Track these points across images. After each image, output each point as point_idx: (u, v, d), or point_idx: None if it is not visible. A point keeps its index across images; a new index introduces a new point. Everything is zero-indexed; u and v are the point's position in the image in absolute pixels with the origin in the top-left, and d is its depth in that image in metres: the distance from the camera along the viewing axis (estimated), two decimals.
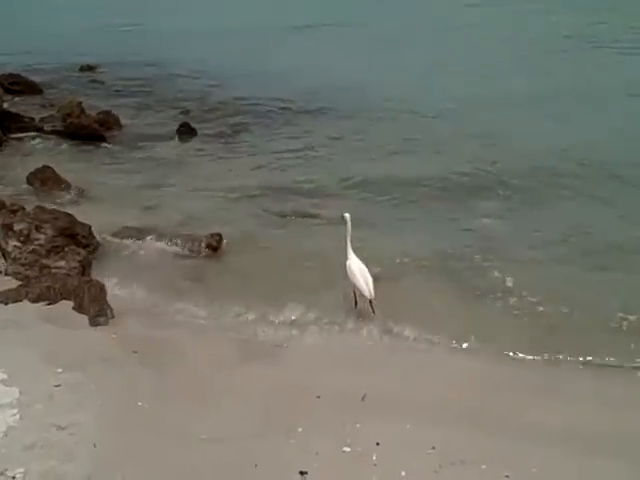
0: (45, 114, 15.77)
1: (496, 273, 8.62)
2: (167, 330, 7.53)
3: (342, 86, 17.85)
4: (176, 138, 15.07)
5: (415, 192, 11.47)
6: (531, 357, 7.11)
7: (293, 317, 7.85)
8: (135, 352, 6.84)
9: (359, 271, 7.67)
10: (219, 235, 9.80)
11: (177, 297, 8.32)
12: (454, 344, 7.34)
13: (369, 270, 7.73)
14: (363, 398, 6.09)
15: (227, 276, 9.02)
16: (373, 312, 7.69)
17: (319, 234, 10.08)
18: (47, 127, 14.80)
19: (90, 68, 21.76)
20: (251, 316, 7.95)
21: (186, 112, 16.76)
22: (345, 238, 7.80)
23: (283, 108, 16.87)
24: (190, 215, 10.81)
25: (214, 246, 9.71)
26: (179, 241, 9.81)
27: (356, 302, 7.88)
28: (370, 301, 7.67)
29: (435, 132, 14.47)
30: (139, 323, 7.67)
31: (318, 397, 6.18)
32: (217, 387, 6.39)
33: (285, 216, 10.94)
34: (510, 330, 7.57)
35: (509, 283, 8.38)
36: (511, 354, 7.14)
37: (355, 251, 7.91)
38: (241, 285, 8.71)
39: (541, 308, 7.93)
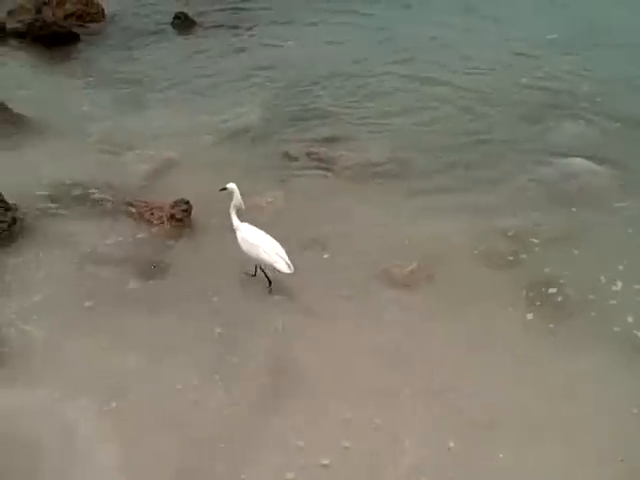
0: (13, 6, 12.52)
1: None
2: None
3: None
4: (169, 33, 11.80)
5: None
6: None
7: None
8: None
9: (262, 241, 5.83)
10: (186, 203, 6.88)
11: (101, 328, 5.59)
12: None
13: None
14: None
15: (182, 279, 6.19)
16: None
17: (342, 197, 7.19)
18: (9, 26, 11.59)
19: None
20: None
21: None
22: (230, 208, 5.92)
23: None
24: (164, 160, 7.85)
25: (178, 219, 6.83)
26: (134, 211, 6.96)
27: (269, 280, 6.05)
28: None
29: None
30: None
31: None
32: None
33: (296, 160, 7.96)
34: None
35: None
36: None
37: None
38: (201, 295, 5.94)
39: None
